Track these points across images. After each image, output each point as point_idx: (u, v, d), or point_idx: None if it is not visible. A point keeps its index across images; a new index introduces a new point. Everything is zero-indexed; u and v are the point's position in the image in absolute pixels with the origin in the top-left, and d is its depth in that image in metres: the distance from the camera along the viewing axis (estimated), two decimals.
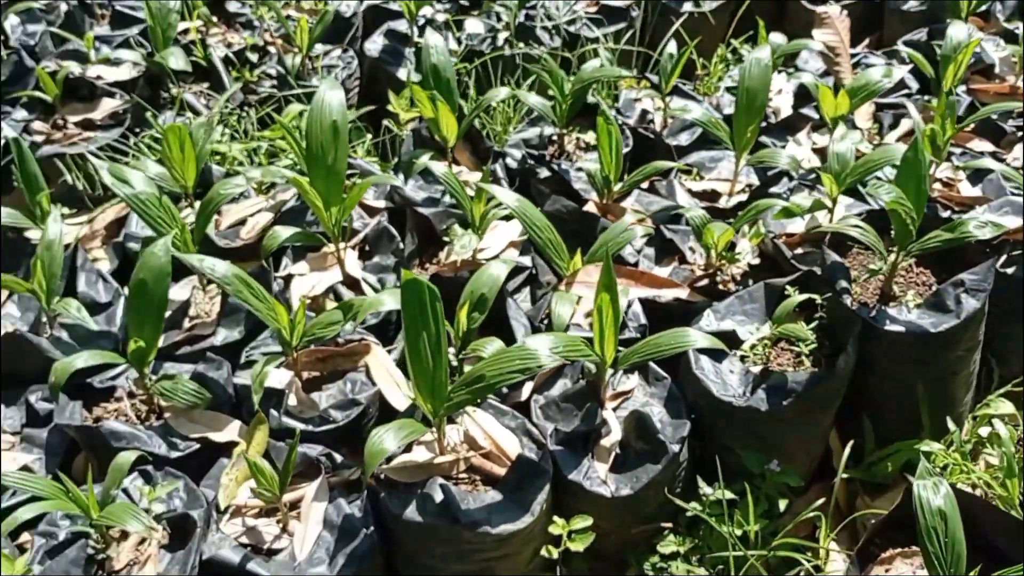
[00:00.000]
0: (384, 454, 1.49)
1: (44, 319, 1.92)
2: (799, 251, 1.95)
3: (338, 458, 1.68)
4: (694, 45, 2.38)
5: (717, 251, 1.91)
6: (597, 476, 1.65)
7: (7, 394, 1.81)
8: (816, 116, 2.39)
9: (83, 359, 1.65)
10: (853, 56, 2.58)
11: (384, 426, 1.53)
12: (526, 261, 2.00)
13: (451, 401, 1.54)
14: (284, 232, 1.94)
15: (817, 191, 2.11)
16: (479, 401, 1.67)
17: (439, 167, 2.04)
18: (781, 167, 2.13)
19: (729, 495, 1.67)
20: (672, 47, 2.36)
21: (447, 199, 2.18)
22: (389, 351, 1.86)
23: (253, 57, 2.71)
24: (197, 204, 2.14)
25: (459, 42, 2.80)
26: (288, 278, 2.01)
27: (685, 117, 2.21)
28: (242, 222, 2.16)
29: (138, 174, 1.89)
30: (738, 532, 1.65)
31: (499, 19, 2.89)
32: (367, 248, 2.13)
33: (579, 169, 2.20)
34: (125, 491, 1.61)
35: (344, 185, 1.89)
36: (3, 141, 2.46)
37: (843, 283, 1.77)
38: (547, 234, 1.88)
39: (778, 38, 2.46)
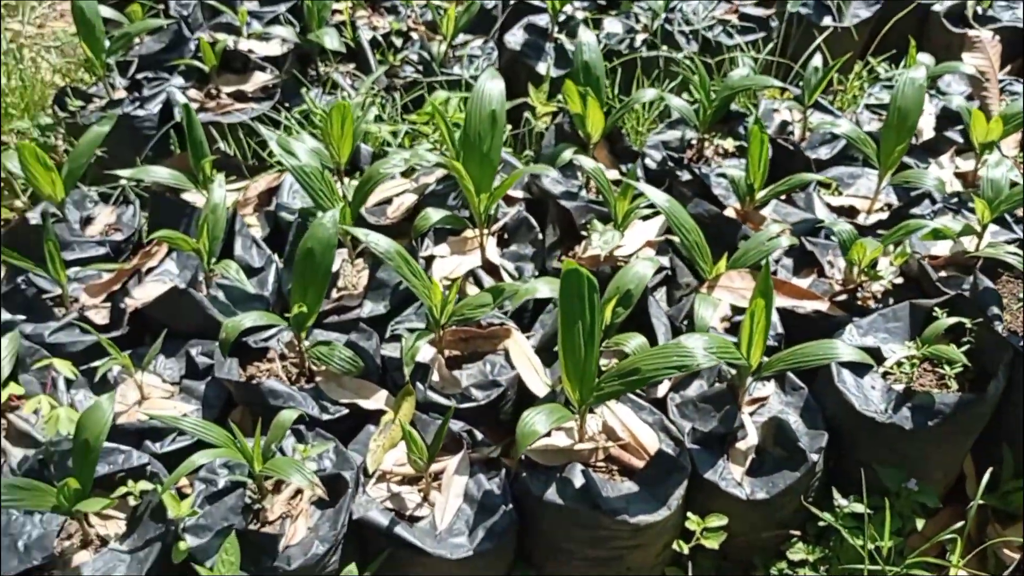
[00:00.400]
0: (536, 436, 1.54)
1: (201, 278, 2.02)
2: (943, 274, 1.95)
3: (478, 435, 1.73)
4: (839, 63, 2.37)
5: (861, 267, 1.91)
6: (732, 478, 1.68)
7: (166, 346, 1.90)
8: (960, 140, 2.36)
9: (251, 319, 1.73)
10: (999, 82, 2.55)
11: (534, 409, 1.57)
12: (664, 261, 2.02)
13: (601, 391, 1.58)
14: (435, 214, 2.00)
15: (962, 215, 2.10)
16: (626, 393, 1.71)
17: (588, 162, 2.07)
18: (926, 188, 2.12)
19: (863, 509, 1.68)
20: (815, 61, 2.36)
21: (584, 193, 2.22)
22: (528, 337, 1.91)
23: (397, 42, 2.78)
24: (347, 180, 2.22)
25: (598, 41, 2.83)
26: (430, 259, 2.07)
27: (833, 131, 2.21)
28: (387, 201, 2.23)
29: (301, 147, 1.97)
30: (870, 546, 1.66)
31: (637, 20, 2.92)
32: (506, 236, 2.18)
33: (721, 175, 2.22)
34: (280, 448, 1.68)
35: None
36: (160, 107, 2.58)
37: (994, 309, 1.76)
38: (694, 236, 1.90)
39: (926, 59, 2.44)
